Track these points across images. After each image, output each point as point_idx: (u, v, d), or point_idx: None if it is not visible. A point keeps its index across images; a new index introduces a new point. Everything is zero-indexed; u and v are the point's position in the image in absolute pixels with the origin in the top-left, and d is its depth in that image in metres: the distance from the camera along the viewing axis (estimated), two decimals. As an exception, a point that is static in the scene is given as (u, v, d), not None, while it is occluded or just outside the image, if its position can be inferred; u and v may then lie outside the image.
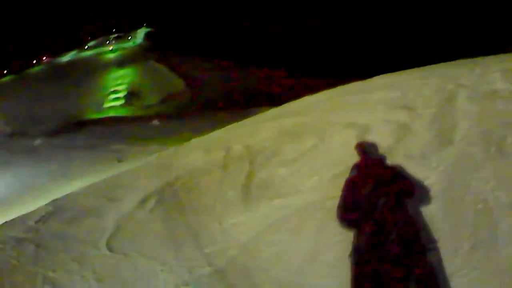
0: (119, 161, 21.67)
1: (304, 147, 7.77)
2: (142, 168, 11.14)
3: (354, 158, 5.65)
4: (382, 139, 6.66)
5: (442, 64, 10.79)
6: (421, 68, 10.78)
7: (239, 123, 13.12)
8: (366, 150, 5.73)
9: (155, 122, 33.41)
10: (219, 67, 58.69)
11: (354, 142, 6.29)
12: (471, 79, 8.06)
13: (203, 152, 10.04)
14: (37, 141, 28.57)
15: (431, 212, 5.04)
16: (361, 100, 9.27)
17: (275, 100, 34.68)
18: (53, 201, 9.31)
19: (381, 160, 5.61)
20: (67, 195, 9.92)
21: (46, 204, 9.11)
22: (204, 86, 51.61)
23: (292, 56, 52.85)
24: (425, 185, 5.35)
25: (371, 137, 6.83)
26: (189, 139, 13.40)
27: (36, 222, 8.11)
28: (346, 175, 5.23)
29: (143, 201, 7.90)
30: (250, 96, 45.24)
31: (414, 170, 5.67)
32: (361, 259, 4.25)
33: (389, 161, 5.77)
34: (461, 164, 5.72)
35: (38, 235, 7.49)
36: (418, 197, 5.01)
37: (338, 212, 4.78)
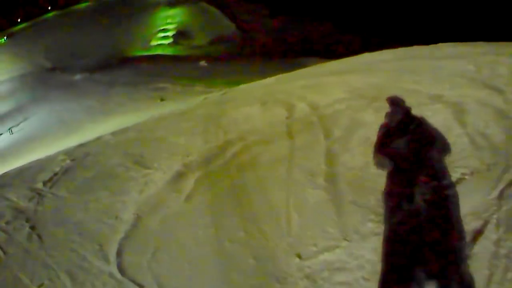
0: (162, 100, 20.38)
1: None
2: (184, 117, 9.00)
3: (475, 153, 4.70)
4: (488, 129, 5.16)
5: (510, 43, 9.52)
6: (488, 43, 9.64)
7: (295, 73, 11.84)
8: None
9: (203, 63, 31.35)
10: (272, 14, 55.94)
11: (455, 127, 5.30)
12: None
13: (259, 106, 8.05)
14: (77, 76, 27.11)
15: None
16: (432, 67, 8.02)
17: (328, 53, 34.51)
18: (76, 148, 8.07)
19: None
20: (92, 142, 8.40)
21: (65, 153, 7.77)
22: (255, 31, 49.17)
23: (350, 12, 49.42)
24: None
25: (472, 123, 5.35)
26: (237, 83, 12.66)
27: (45, 183, 6.54)
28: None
29: (179, 176, 5.64)
30: (301, 46, 42.70)
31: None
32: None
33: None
34: None
35: (39, 208, 5.78)
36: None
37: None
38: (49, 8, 67.71)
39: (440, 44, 10.19)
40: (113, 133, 8.69)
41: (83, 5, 69.37)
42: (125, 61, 32.94)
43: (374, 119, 5.96)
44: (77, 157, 7.30)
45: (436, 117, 5.61)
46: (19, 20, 58.97)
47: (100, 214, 5.13)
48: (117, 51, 39.52)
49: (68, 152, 7.74)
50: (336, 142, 5.60)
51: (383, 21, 44.11)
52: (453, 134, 5.08)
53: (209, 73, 27.47)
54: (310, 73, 11.16)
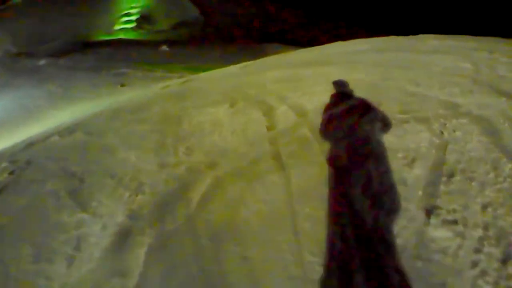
0: (122, 85, 19.02)
1: (412, 142, 4.36)
2: (139, 116, 7.01)
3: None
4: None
5: (500, 39, 8.91)
6: (474, 37, 8.99)
7: (262, 61, 10.52)
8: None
9: (164, 48, 29.58)
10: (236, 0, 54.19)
11: (501, 161, 3.64)
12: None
13: (228, 106, 6.24)
14: (42, 62, 25.36)
15: None
16: (422, 62, 6.91)
17: (292, 40, 34.17)
18: (22, 151, 6.46)
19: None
20: (38, 144, 6.72)
21: (8, 158, 6.08)
22: (218, 16, 47.45)
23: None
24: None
25: (507, 144, 3.93)
26: (199, 68, 12.01)
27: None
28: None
29: (123, 239, 3.51)
30: (265, 31, 41.20)
31: None
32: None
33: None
34: None
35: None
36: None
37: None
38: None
39: (421, 36, 9.29)
40: (61, 134, 6.90)
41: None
42: (88, 46, 31.42)
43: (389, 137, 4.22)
44: (18, 167, 5.57)
45: (471, 142, 4.08)
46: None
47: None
48: (82, 35, 37.94)
49: (11, 157, 6.07)
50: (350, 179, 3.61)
51: (352, 8, 42.55)
52: (503, 173, 3.43)
53: (170, 58, 26.12)
54: (280, 62, 9.59)
